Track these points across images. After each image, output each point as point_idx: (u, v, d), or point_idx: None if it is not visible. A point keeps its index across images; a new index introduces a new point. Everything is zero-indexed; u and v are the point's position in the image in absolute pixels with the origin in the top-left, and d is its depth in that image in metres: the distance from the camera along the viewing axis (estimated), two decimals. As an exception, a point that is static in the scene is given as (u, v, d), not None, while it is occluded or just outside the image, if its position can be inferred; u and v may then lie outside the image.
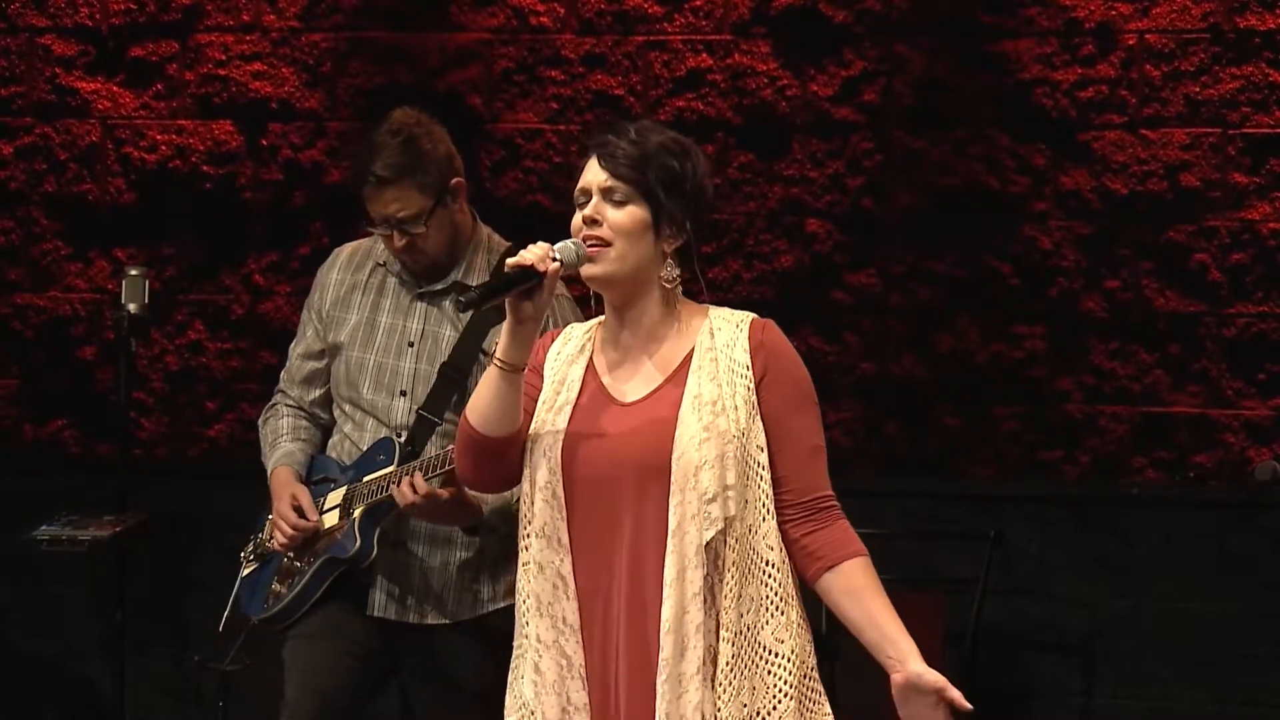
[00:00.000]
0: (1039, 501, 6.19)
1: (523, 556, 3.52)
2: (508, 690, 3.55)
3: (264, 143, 6.58)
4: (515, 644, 3.54)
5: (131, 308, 5.62)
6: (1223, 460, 6.11)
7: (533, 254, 3.44)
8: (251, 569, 4.79)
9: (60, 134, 6.67)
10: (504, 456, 3.53)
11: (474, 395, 3.53)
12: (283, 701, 4.62)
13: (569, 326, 3.68)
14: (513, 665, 3.55)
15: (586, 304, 3.75)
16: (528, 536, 3.51)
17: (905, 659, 3.40)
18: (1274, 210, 6.10)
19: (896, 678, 3.40)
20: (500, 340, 3.49)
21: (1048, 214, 6.21)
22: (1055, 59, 6.18)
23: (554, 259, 3.44)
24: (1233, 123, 6.11)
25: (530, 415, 3.54)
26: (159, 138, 6.62)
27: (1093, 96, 6.17)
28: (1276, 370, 6.10)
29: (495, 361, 3.49)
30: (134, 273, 5.67)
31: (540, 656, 3.48)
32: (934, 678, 3.38)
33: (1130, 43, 6.16)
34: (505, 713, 3.54)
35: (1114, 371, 6.18)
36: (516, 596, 3.54)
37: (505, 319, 3.49)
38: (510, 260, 3.46)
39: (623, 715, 3.43)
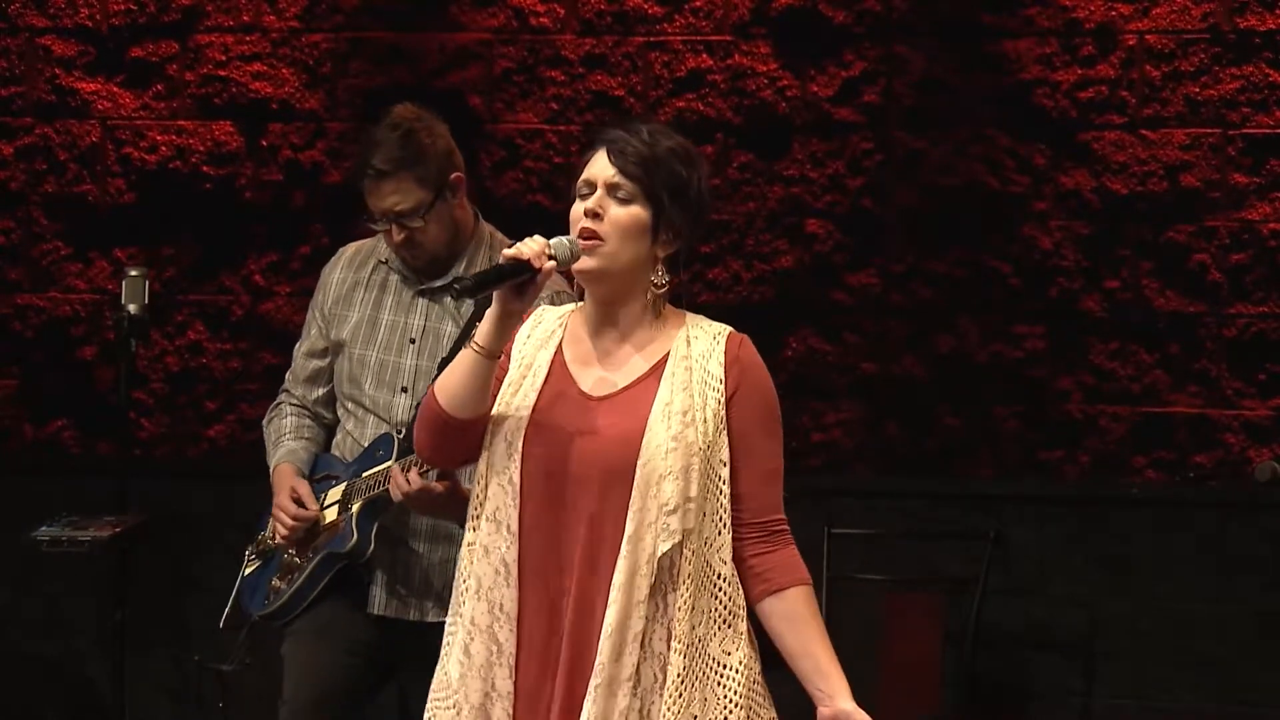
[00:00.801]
0: (1039, 501, 6.19)
1: (469, 536, 3.51)
2: (437, 668, 3.54)
3: (264, 143, 6.58)
4: (448, 622, 3.54)
5: (131, 308, 5.62)
6: (1223, 460, 6.11)
7: (529, 249, 3.43)
8: (254, 567, 4.80)
9: (60, 134, 6.67)
10: (466, 436, 3.52)
11: (445, 374, 3.52)
12: (281, 699, 4.62)
13: (541, 309, 3.65)
14: (444, 643, 3.54)
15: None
16: (477, 518, 3.50)
17: (835, 695, 3.42)
18: (1274, 210, 6.10)
19: (824, 712, 3.42)
20: (482, 325, 3.48)
21: (1048, 214, 6.21)
22: (1055, 59, 6.19)
23: (549, 257, 3.44)
24: (1233, 123, 6.11)
25: (494, 397, 3.53)
26: (159, 138, 6.63)
27: (1093, 96, 6.17)
28: (1276, 370, 6.11)
29: (473, 345, 3.47)
30: (134, 273, 5.67)
31: (471, 639, 3.47)
32: (862, 717, 3.40)
33: (1130, 43, 6.16)
34: (430, 689, 3.54)
35: (1114, 371, 6.19)
36: (456, 575, 3.53)
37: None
38: (507, 252, 3.45)
39: (556, 710, 3.42)
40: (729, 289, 6.31)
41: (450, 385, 3.49)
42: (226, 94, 6.59)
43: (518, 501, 3.45)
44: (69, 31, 6.66)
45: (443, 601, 4.58)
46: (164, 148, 6.62)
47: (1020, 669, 6.21)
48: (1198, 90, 6.12)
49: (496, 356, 3.48)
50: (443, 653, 3.54)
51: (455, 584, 3.53)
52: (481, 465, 3.52)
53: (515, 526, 3.45)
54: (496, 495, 3.48)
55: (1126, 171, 6.16)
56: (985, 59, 6.23)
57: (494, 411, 3.51)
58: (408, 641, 4.62)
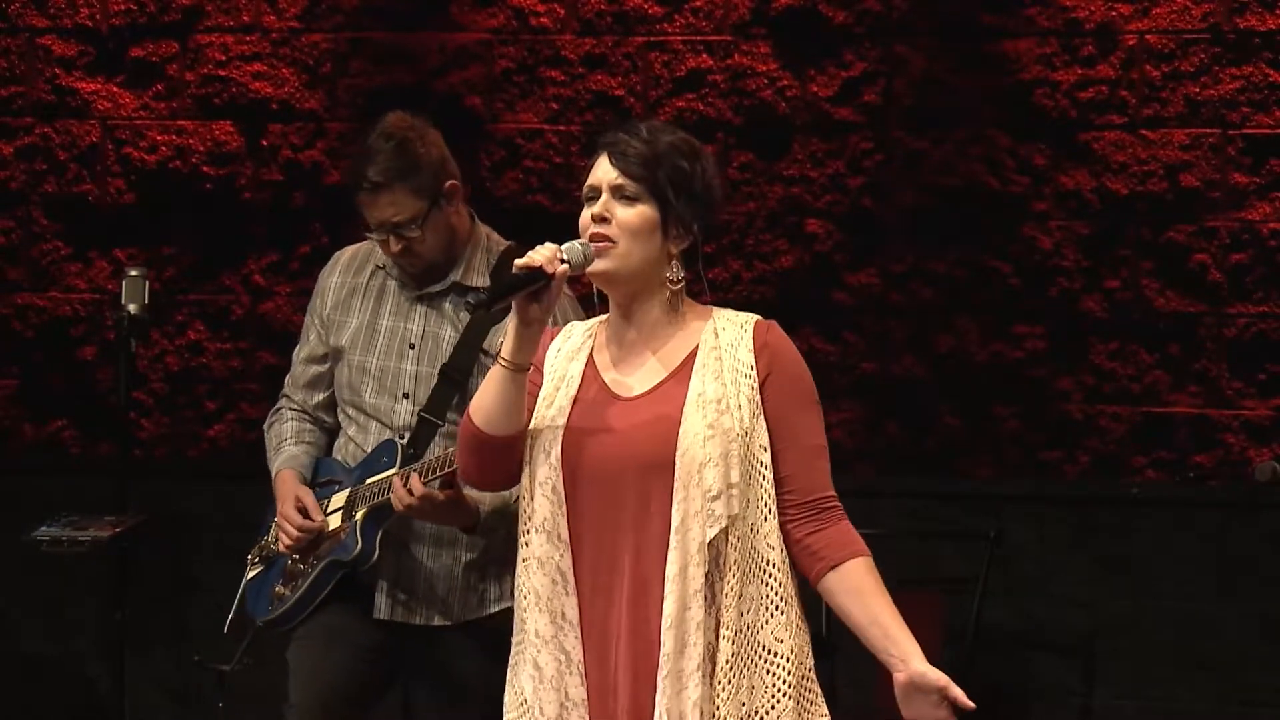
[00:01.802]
0: (1039, 501, 6.19)
1: (522, 552, 3.52)
2: (507, 687, 3.55)
3: (264, 143, 6.58)
4: (514, 640, 3.55)
5: (131, 308, 5.61)
6: (1223, 460, 6.11)
7: (541, 255, 3.44)
8: (256, 572, 4.79)
9: (60, 134, 6.67)
10: (508, 455, 3.53)
11: (478, 395, 3.53)
12: (286, 704, 4.62)
13: (569, 324, 3.68)
14: (511, 661, 3.55)
15: (588, 303, 3.76)
16: (528, 532, 3.51)
17: (909, 658, 3.41)
18: (1274, 210, 6.10)
19: (900, 677, 3.41)
20: (505, 340, 3.49)
21: (1048, 214, 6.21)
22: (1055, 59, 6.19)
23: (562, 260, 3.44)
24: (1233, 123, 6.11)
25: (532, 413, 3.54)
26: (159, 138, 6.62)
27: (1093, 97, 6.17)
28: (1276, 370, 6.11)
29: (500, 361, 3.49)
30: (134, 273, 5.66)
31: (539, 652, 3.48)
32: (937, 676, 3.39)
33: (1130, 43, 6.16)
34: (505, 709, 3.55)
35: (1114, 371, 6.19)
36: (515, 592, 3.54)
37: (506, 319, 3.50)
38: (519, 261, 3.46)
39: (621, 711, 3.43)
40: (729, 289, 6.31)
41: (484, 404, 3.51)
42: (226, 94, 6.59)
43: (565, 510, 3.47)
44: (69, 31, 6.66)
45: (447, 606, 4.61)
46: (164, 148, 6.62)
47: (1020, 669, 6.21)
48: (1198, 90, 6.12)
49: (525, 369, 3.50)
50: (510, 671, 3.55)
51: (515, 599, 3.54)
52: (525, 479, 3.53)
53: (566, 535, 3.46)
54: (543, 506, 3.49)
55: (1126, 171, 6.16)
56: (985, 59, 6.23)
57: (532, 425, 3.53)
58: (412, 647, 4.62)
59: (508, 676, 3.55)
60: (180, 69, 6.61)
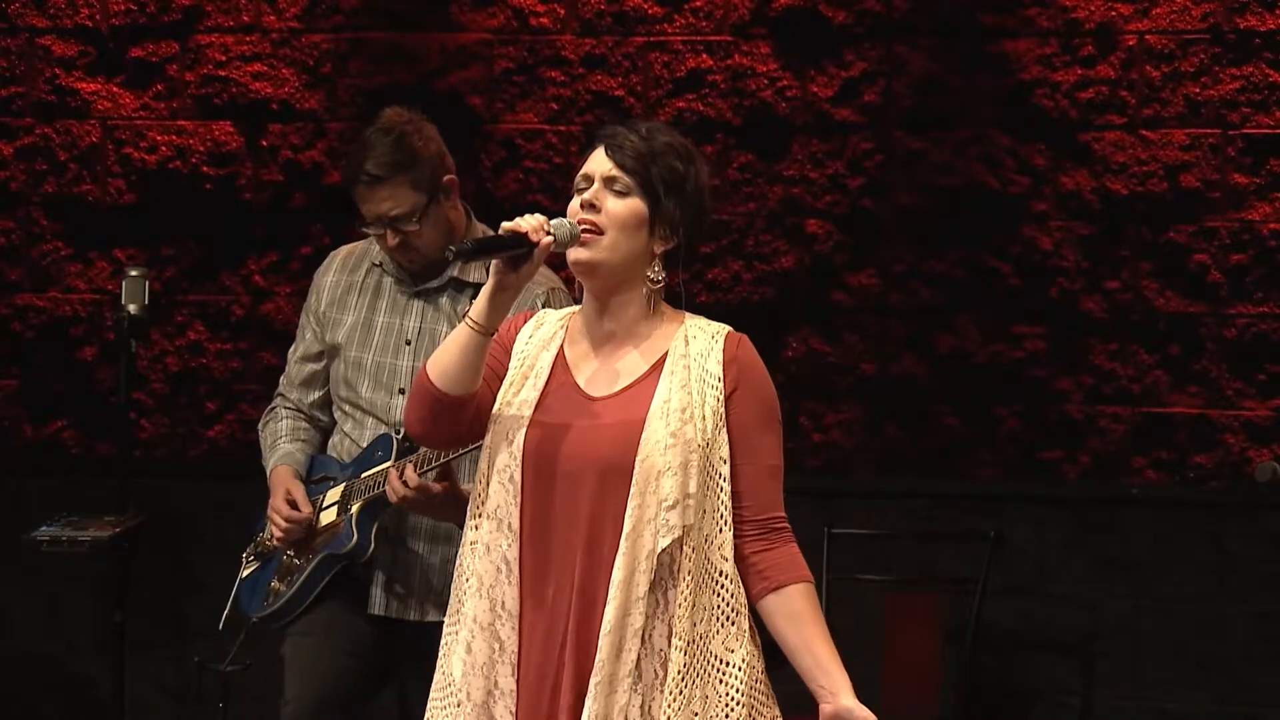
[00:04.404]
0: (1039, 501, 6.19)
1: (469, 535, 3.52)
2: (437, 667, 3.55)
3: (264, 143, 6.58)
4: (448, 620, 3.55)
5: (131, 308, 5.60)
6: (1223, 460, 6.11)
7: (528, 223, 3.47)
8: (253, 568, 4.81)
9: (60, 134, 6.67)
10: (457, 414, 3.53)
11: (438, 351, 3.53)
12: (282, 699, 4.64)
13: (542, 311, 3.68)
14: (443, 641, 3.55)
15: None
16: (478, 516, 3.51)
17: (837, 691, 3.42)
18: (1274, 210, 6.11)
19: (826, 708, 3.42)
20: (477, 301, 3.50)
21: (1048, 214, 6.21)
22: (1055, 59, 6.19)
23: (547, 233, 3.46)
24: (1233, 123, 6.11)
25: (489, 385, 3.55)
26: (159, 138, 6.63)
27: (1093, 97, 6.18)
28: (1276, 370, 6.11)
29: (467, 321, 3.49)
30: (134, 273, 5.65)
31: (473, 637, 3.48)
32: (863, 714, 3.40)
33: (1130, 43, 6.16)
34: (431, 688, 3.55)
35: (1114, 371, 6.19)
36: (456, 573, 3.54)
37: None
38: (505, 225, 3.49)
39: (560, 706, 3.42)
40: (729, 289, 6.31)
41: (442, 362, 3.51)
42: (226, 94, 6.59)
43: (519, 500, 3.47)
44: (69, 31, 6.66)
45: (442, 602, 4.58)
46: (164, 148, 6.62)
47: (1020, 669, 6.21)
48: (1198, 90, 6.13)
49: (490, 333, 3.50)
50: (442, 651, 3.55)
51: (455, 582, 3.55)
52: (482, 464, 3.53)
53: (516, 524, 3.47)
54: (498, 493, 3.49)
55: (1126, 171, 6.16)
56: (985, 59, 6.24)
57: (494, 410, 3.53)
58: (408, 642, 4.63)
59: (439, 656, 3.55)
60: (180, 69, 6.61)
